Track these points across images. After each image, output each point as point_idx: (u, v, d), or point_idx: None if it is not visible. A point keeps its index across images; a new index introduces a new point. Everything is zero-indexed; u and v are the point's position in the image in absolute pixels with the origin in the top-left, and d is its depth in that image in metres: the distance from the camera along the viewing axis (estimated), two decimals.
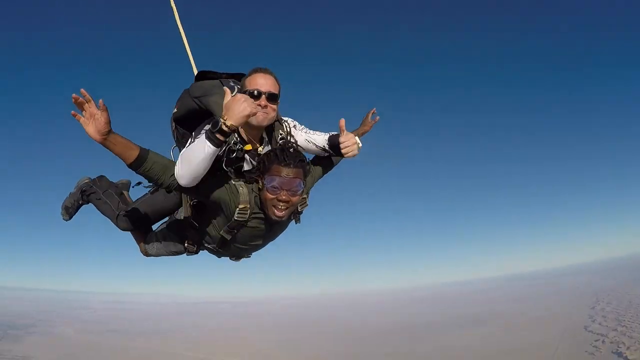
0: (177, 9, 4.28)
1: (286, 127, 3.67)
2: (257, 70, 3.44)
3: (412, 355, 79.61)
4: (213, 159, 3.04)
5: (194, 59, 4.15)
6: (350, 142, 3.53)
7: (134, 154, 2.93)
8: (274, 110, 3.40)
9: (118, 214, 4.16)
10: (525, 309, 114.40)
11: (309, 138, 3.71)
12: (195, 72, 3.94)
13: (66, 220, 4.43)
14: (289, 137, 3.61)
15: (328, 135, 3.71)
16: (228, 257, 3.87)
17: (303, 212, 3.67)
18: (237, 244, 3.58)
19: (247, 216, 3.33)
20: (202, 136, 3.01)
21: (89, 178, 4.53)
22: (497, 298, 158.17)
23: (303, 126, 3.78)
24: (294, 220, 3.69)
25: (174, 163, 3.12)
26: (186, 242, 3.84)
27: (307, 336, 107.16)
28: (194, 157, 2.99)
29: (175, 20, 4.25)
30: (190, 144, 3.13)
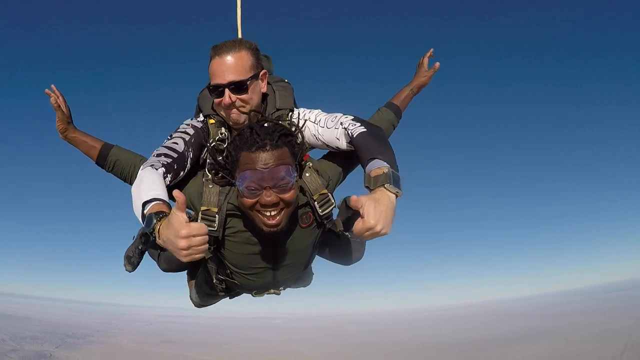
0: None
1: (295, 121, 2.57)
2: (212, 53, 2.56)
3: None
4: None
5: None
6: (369, 228, 2.01)
7: (95, 151, 2.66)
8: (248, 101, 2.56)
9: (159, 254, 3.62)
10: (587, 322, 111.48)
11: (318, 133, 2.65)
12: None
13: (129, 272, 3.84)
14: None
15: (342, 130, 2.56)
16: (250, 293, 3.00)
17: (333, 216, 2.67)
18: (236, 267, 2.68)
19: (215, 224, 2.42)
20: (146, 193, 2.18)
21: None
22: (559, 312, 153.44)
23: (317, 115, 2.72)
24: (328, 228, 2.72)
25: (141, 157, 2.64)
26: (214, 277, 2.90)
27: (360, 351, 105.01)
28: (136, 188, 2.27)
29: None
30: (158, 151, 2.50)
